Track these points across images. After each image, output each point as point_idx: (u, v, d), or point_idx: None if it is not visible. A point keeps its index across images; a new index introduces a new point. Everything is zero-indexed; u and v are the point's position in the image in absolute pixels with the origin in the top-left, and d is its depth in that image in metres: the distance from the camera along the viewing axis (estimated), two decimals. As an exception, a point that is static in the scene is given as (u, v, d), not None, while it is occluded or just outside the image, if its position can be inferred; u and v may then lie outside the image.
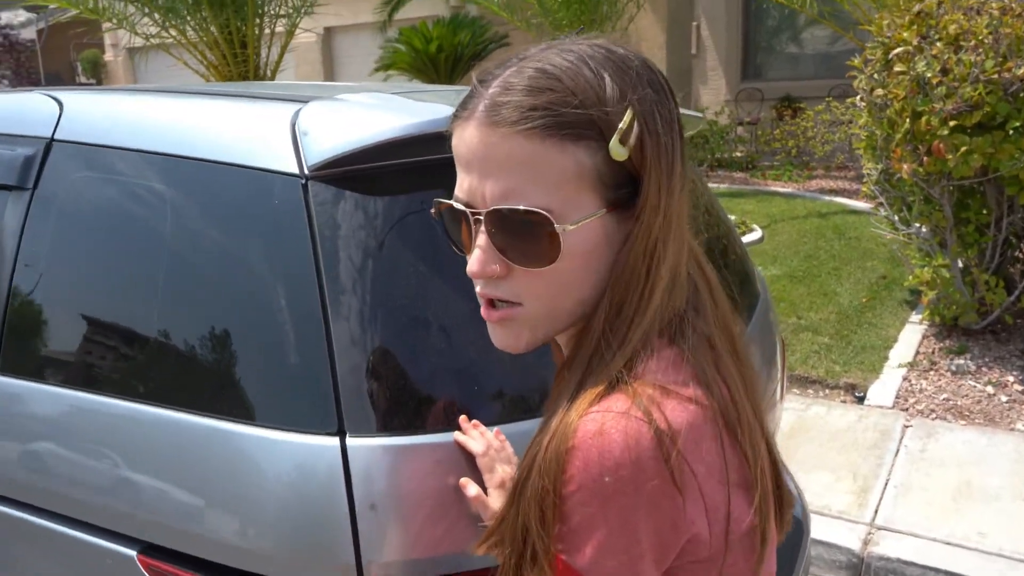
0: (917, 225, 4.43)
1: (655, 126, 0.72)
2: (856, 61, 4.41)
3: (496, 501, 1.10)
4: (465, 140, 0.73)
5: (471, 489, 1.12)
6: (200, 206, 1.32)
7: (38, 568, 1.39)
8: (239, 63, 8.47)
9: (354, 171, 1.24)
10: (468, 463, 1.14)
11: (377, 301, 1.18)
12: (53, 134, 1.53)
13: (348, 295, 1.17)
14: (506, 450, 1.17)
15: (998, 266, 4.47)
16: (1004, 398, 4.01)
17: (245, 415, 1.16)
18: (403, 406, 1.14)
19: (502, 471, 1.13)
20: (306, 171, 1.22)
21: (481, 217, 0.73)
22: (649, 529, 0.67)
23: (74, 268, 1.43)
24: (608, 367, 0.71)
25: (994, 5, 3.94)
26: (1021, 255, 4.74)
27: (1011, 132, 3.80)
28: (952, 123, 3.81)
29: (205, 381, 1.22)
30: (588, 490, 0.66)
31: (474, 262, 0.75)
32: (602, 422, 0.67)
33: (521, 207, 0.70)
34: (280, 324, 1.17)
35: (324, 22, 12.36)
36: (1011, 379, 4.15)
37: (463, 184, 0.75)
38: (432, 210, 0.81)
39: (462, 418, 1.16)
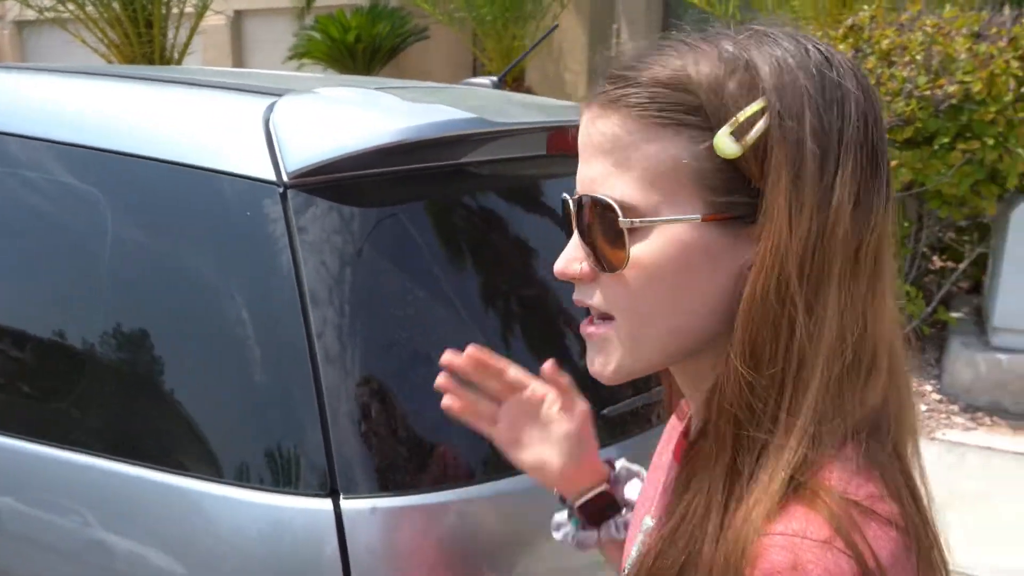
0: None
1: (798, 128, 0.56)
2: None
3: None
4: (581, 118, 0.64)
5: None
6: (147, 214, 1.12)
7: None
8: (143, 43, 7.98)
9: (339, 179, 1.07)
10: (472, 520, 0.99)
11: (374, 337, 1.02)
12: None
13: (339, 329, 1.00)
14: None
15: (916, 277, 4.62)
16: (923, 407, 4.11)
17: (215, 472, 0.98)
18: (406, 460, 0.98)
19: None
20: (285, 178, 1.04)
21: (573, 206, 0.63)
22: None
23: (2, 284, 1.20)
24: (775, 457, 0.55)
25: (927, 22, 4.04)
26: (934, 267, 4.92)
27: (937, 148, 3.90)
28: (884, 137, 3.90)
29: (167, 432, 1.03)
30: None
31: (559, 259, 0.65)
32: (796, 554, 0.52)
33: (598, 195, 0.60)
34: (257, 365, 1.00)
35: (235, 4, 11.85)
36: (929, 388, 4.26)
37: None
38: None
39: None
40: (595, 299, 0.64)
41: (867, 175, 0.57)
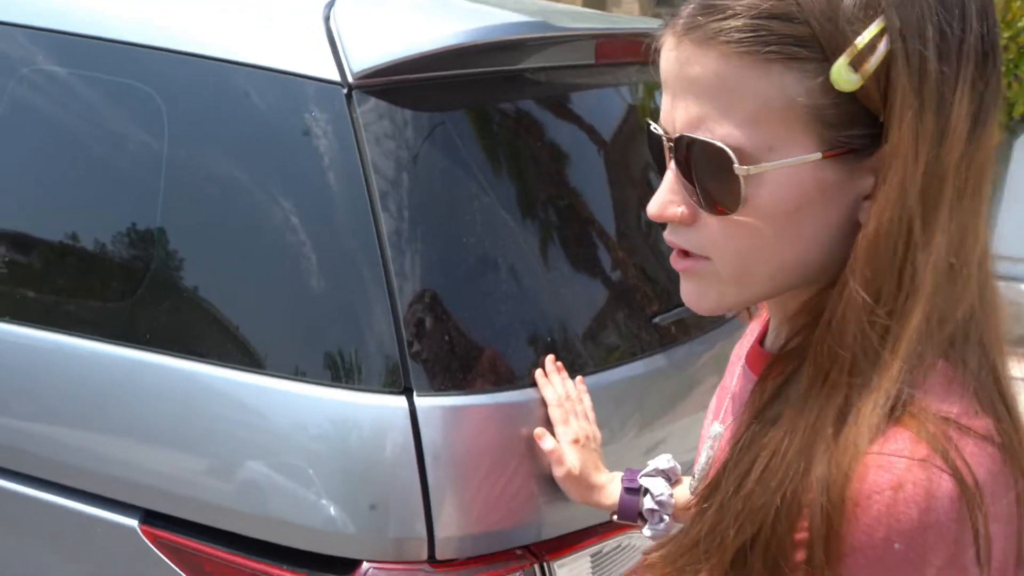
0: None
1: (921, 48, 0.52)
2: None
3: (573, 457, 1.00)
4: (663, 53, 0.60)
5: (547, 442, 1.01)
6: (201, 117, 1.09)
7: (19, 549, 1.18)
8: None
9: (402, 82, 1.05)
10: (541, 420, 1.02)
11: (441, 236, 1.01)
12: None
13: (408, 229, 1.00)
14: (584, 403, 1.05)
15: None
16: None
17: (293, 370, 0.99)
18: (475, 359, 1.00)
19: (577, 426, 1.03)
20: (350, 79, 1.02)
21: (671, 146, 0.60)
22: None
23: (56, 190, 1.18)
24: (878, 385, 0.55)
25: None
26: None
27: None
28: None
29: (236, 330, 1.03)
30: (868, 555, 0.53)
31: (654, 201, 0.62)
32: (897, 473, 0.53)
33: (704, 138, 0.57)
34: (327, 263, 1.00)
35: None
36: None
37: (663, 105, 0.62)
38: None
39: (549, 358, 1.04)
40: (686, 240, 0.62)
41: (983, 88, 0.54)
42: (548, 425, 1.02)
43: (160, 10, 1.16)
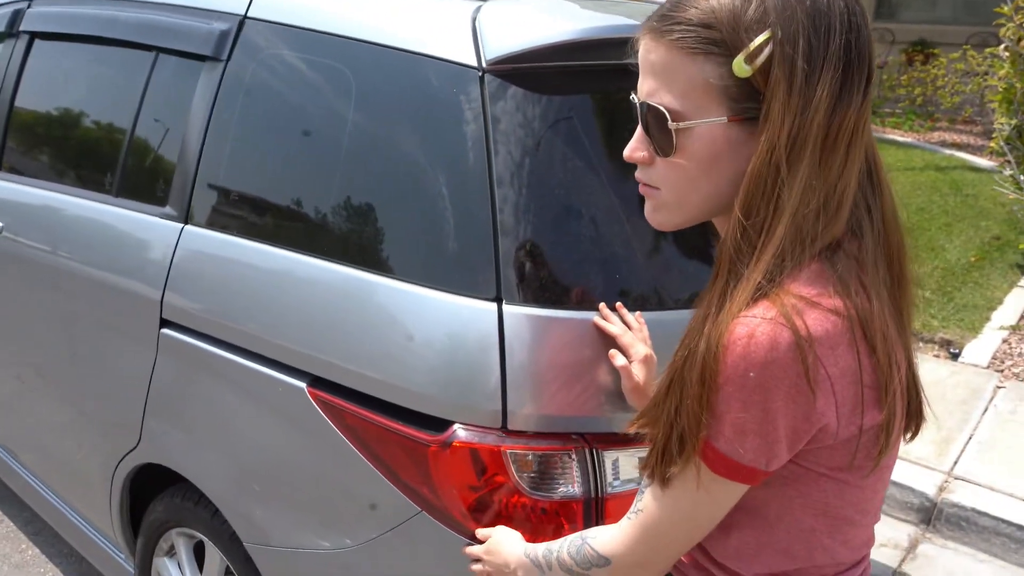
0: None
1: (792, 52, 0.76)
2: (1006, 8, 4.21)
3: (640, 372, 1.25)
4: (640, 44, 0.87)
5: (619, 359, 1.26)
6: (378, 89, 1.46)
7: (219, 397, 1.62)
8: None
9: (525, 69, 1.36)
10: (606, 341, 1.28)
11: (538, 187, 1.31)
12: (246, 11, 1.69)
13: (513, 181, 1.31)
14: (643, 332, 1.30)
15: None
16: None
17: (420, 277, 1.33)
18: (554, 283, 1.29)
19: (643, 349, 1.27)
20: (484, 64, 1.35)
21: (638, 109, 0.86)
22: (785, 418, 0.78)
23: (262, 138, 1.61)
24: (748, 277, 0.80)
25: None
26: None
27: None
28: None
29: (385, 246, 1.39)
30: (735, 383, 0.78)
31: (627, 147, 0.89)
32: (752, 326, 0.77)
33: (653, 103, 0.83)
34: (452, 201, 1.33)
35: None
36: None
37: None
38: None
39: (601, 305, 1.30)
40: (646, 176, 0.88)
41: (843, 82, 0.78)
42: (614, 345, 1.28)
43: (353, 7, 1.55)
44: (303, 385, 1.45)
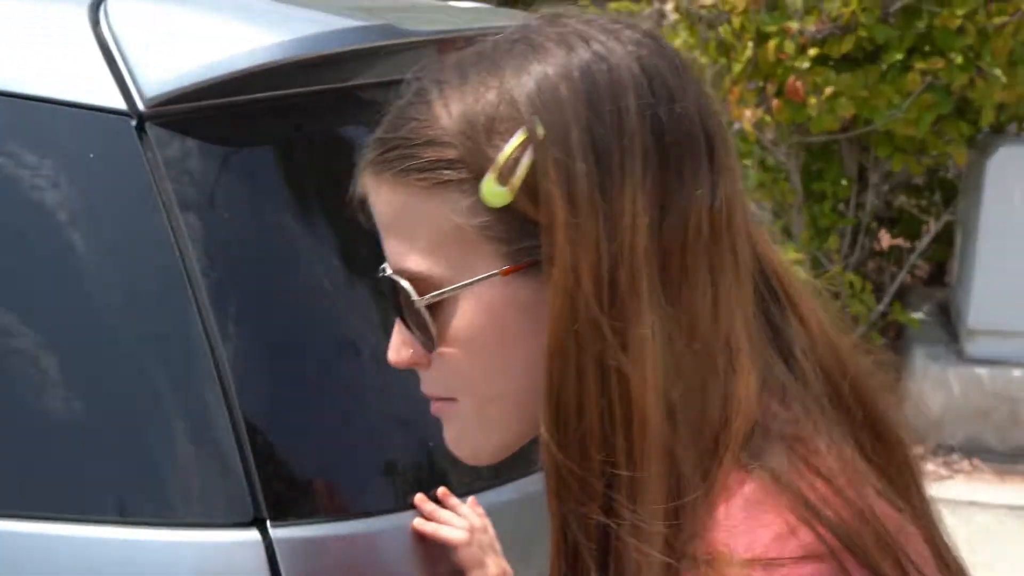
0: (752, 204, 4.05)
1: (565, 155, 0.51)
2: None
3: None
4: (364, 187, 0.59)
5: None
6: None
7: None
8: None
9: (206, 108, 0.89)
10: (437, 551, 0.87)
11: (283, 318, 0.86)
12: None
13: (238, 310, 0.84)
14: (489, 532, 0.90)
15: (859, 262, 3.45)
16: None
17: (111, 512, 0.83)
18: (343, 478, 0.85)
19: (495, 566, 0.88)
20: (140, 106, 0.86)
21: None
22: None
23: None
24: (637, 538, 0.49)
25: None
26: (881, 248, 3.75)
27: (887, 68, 2.92)
28: (813, 51, 2.89)
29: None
30: None
31: (390, 347, 0.60)
32: None
33: (388, 275, 0.57)
34: (142, 364, 0.84)
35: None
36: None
37: None
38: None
39: (418, 498, 0.88)
40: (432, 384, 0.60)
41: (663, 177, 0.52)
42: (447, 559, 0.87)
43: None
44: None
